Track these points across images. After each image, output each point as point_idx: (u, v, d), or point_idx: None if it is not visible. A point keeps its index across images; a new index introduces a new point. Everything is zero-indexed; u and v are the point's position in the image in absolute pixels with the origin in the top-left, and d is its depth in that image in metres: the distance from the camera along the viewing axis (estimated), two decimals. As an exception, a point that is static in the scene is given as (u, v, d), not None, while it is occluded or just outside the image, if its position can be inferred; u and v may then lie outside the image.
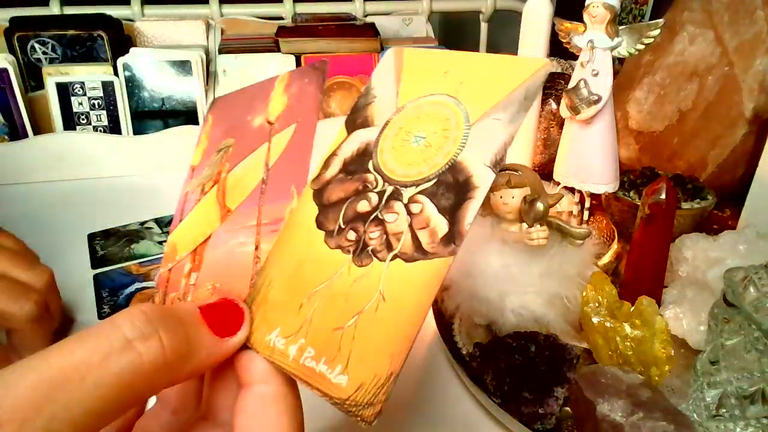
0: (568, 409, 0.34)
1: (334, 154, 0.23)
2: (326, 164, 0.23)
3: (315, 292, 0.21)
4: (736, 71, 0.57)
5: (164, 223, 0.58)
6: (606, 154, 0.46)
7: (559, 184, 0.49)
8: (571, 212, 0.52)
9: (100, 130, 0.71)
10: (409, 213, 0.20)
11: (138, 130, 0.71)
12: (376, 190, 0.21)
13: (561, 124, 0.52)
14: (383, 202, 0.21)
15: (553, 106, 0.64)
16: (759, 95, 0.56)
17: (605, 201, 0.53)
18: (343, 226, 0.21)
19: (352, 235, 0.21)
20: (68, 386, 0.15)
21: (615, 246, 0.51)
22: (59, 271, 0.50)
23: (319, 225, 0.22)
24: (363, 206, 0.21)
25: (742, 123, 0.57)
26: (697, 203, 0.50)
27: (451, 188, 0.20)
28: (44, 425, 0.15)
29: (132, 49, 0.71)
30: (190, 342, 0.18)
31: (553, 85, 0.64)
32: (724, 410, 0.32)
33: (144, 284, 0.48)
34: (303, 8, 0.88)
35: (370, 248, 0.20)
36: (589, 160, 0.46)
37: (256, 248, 0.23)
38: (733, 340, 0.31)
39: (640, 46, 0.43)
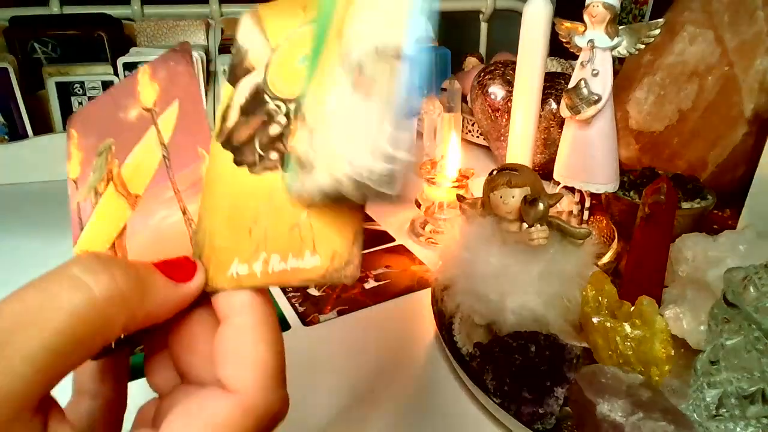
0: (568, 409, 0.34)
1: (228, 107, 0.24)
2: (224, 117, 0.24)
3: (258, 213, 0.22)
4: (736, 71, 0.57)
5: (164, 223, 0.58)
6: (606, 154, 0.46)
7: (559, 184, 0.49)
8: (571, 212, 0.52)
9: (100, 130, 0.71)
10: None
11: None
12: (282, 114, 0.23)
13: (561, 124, 0.52)
14: (291, 118, 0.22)
15: (553, 106, 0.64)
16: (759, 95, 0.56)
17: (605, 201, 0.53)
18: (263, 153, 0.23)
19: (275, 155, 0.22)
20: (23, 328, 0.16)
21: (615, 246, 0.51)
22: (59, 271, 0.50)
23: (239, 163, 0.23)
24: (275, 129, 0.23)
25: (742, 123, 0.57)
26: (697, 203, 0.50)
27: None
28: (1, 366, 0.15)
29: (132, 49, 0.71)
30: (143, 281, 0.18)
31: (553, 85, 0.64)
32: (724, 410, 0.32)
33: (144, 284, 0.48)
34: (303, 8, 0.88)
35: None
36: (589, 160, 0.46)
37: (184, 213, 0.24)
38: (733, 340, 0.31)
39: (640, 46, 0.43)
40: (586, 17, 0.43)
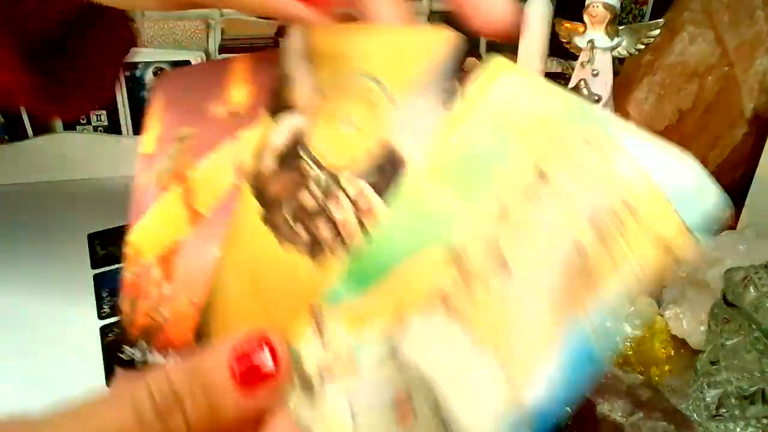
0: (568, 409, 0.34)
1: (265, 146, 0.22)
2: (258, 155, 0.22)
3: (277, 296, 0.20)
4: (736, 71, 0.56)
5: (164, 223, 0.58)
6: (606, 154, 0.46)
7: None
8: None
9: (100, 130, 0.71)
10: (352, 202, 0.19)
11: (138, 130, 0.71)
12: (315, 181, 0.20)
13: (561, 124, 0.52)
14: (325, 192, 0.20)
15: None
16: (759, 95, 0.56)
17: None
18: (292, 224, 0.20)
19: (303, 232, 0.20)
20: None
21: (615, 246, 0.51)
22: (59, 271, 0.50)
23: (267, 223, 0.21)
24: (307, 199, 0.20)
25: (742, 123, 0.57)
26: (697, 203, 0.50)
27: (388, 173, 0.19)
28: None
29: (132, 49, 0.71)
30: (214, 409, 0.17)
31: (553, 85, 0.64)
32: (724, 410, 0.32)
33: (144, 284, 0.48)
34: (303, 8, 0.88)
35: (324, 245, 0.19)
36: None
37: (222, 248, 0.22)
38: (733, 340, 0.31)
39: (640, 46, 0.43)
40: (586, 17, 0.43)
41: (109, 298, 0.46)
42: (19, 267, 0.50)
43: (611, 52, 0.43)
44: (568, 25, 0.45)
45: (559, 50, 0.51)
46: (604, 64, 0.43)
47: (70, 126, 0.69)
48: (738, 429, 0.32)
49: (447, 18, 1.13)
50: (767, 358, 0.30)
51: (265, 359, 0.17)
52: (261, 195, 0.21)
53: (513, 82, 0.17)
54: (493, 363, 0.15)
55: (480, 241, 0.16)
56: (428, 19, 0.91)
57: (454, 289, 0.16)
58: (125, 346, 0.22)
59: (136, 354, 0.22)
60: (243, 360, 0.17)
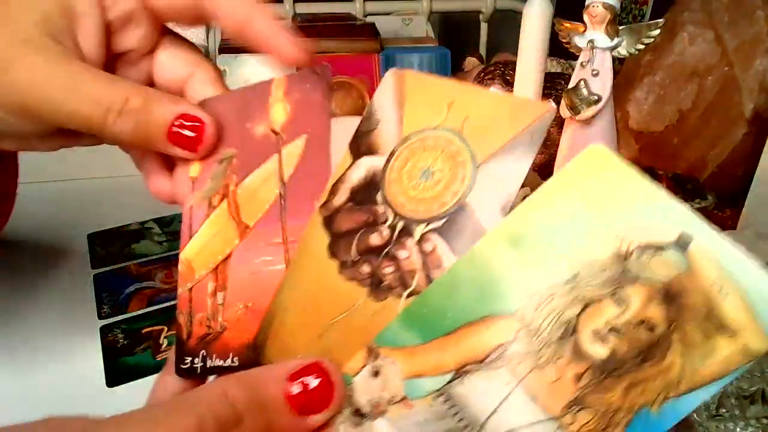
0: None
1: (340, 180, 0.23)
2: (333, 191, 0.23)
3: (334, 323, 0.21)
4: (736, 71, 0.57)
5: (164, 223, 0.58)
6: (606, 154, 0.46)
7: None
8: (571, 212, 0.52)
9: (100, 130, 0.71)
10: (422, 251, 0.21)
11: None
12: (386, 224, 0.22)
13: (561, 124, 0.52)
14: (395, 237, 0.21)
15: (553, 106, 0.64)
16: (759, 95, 0.56)
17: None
18: (356, 259, 0.22)
19: (366, 269, 0.21)
20: None
21: (615, 246, 0.51)
22: (59, 271, 0.50)
23: (333, 255, 0.22)
24: (375, 239, 0.22)
25: (742, 123, 0.57)
26: (697, 203, 0.50)
27: (461, 229, 0.20)
28: None
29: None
30: (270, 429, 0.18)
31: (553, 85, 0.64)
32: (724, 410, 0.32)
33: (144, 284, 0.48)
34: (303, 8, 0.88)
35: (385, 283, 0.21)
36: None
37: (287, 265, 0.23)
38: (733, 340, 0.31)
39: (640, 46, 0.43)
40: (586, 17, 0.43)
41: (108, 298, 0.46)
42: (19, 267, 0.50)
43: (611, 52, 0.43)
44: (568, 25, 0.45)
45: (559, 50, 0.51)
46: (604, 64, 0.43)
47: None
48: (738, 429, 0.32)
49: (447, 18, 1.13)
50: (767, 358, 0.30)
51: (321, 388, 0.19)
52: (330, 226, 0.23)
53: (611, 171, 0.18)
54: (551, 426, 0.16)
55: (552, 315, 0.17)
56: (428, 19, 0.91)
57: (521, 358, 0.17)
58: (187, 357, 0.24)
59: (197, 362, 0.24)
60: (299, 385, 0.19)
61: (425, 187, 0.21)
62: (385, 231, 0.21)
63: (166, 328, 0.43)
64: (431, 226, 0.21)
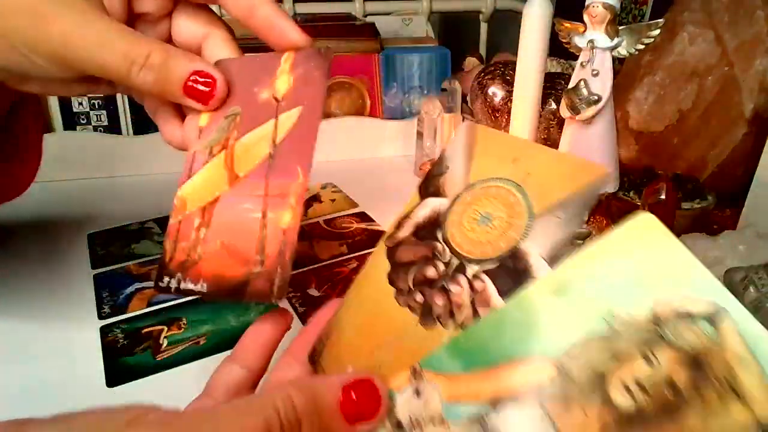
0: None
1: (407, 216, 0.26)
2: (399, 225, 0.26)
3: (385, 342, 0.23)
4: (736, 71, 0.57)
5: (164, 223, 0.58)
6: (606, 155, 0.46)
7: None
8: (571, 212, 0.52)
9: (100, 130, 0.71)
10: (472, 288, 0.22)
11: (138, 130, 0.71)
12: (443, 260, 0.24)
13: (561, 124, 0.52)
14: (449, 272, 0.23)
15: (553, 106, 0.64)
16: (759, 95, 0.56)
17: (605, 201, 0.53)
18: (412, 288, 0.24)
19: (419, 298, 0.24)
20: None
21: (615, 246, 0.51)
22: (59, 271, 0.50)
23: (391, 282, 0.25)
24: (430, 272, 0.24)
25: (742, 123, 0.57)
26: (697, 203, 0.50)
27: (511, 274, 0.22)
28: None
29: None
30: None
31: (553, 85, 0.64)
32: (724, 410, 0.32)
33: (144, 284, 0.48)
34: (303, 8, 0.88)
35: (435, 314, 0.23)
36: (589, 160, 0.46)
37: (263, 216, 0.27)
38: (733, 340, 0.31)
39: (640, 46, 0.43)
40: (586, 17, 0.43)
41: (108, 298, 0.46)
42: (19, 267, 0.50)
43: (611, 52, 0.43)
44: (568, 25, 0.45)
45: (559, 50, 0.51)
46: (604, 64, 0.43)
47: (70, 126, 0.70)
48: (738, 429, 0.32)
49: (447, 18, 1.13)
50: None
51: (370, 400, 0.21)
52: (392, 256, 0.25)
53: (657, 239, 0.19)
54: None
55: (586, 364, 0.18)
56: (428, 19, 0.91)
57: (554, 399, 0.18)
58: (165, 276, 0.28)
59: (172, 283, 0.28)
60: (351, 393, 0.21)
61: (483, 231, 0.23)
62: (441, 266, 0.24)
63: (166, 328, 0.43)
64: (484, 267, 0.23)
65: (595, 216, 0.56)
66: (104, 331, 0.43)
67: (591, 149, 0.46)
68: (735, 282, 0.31)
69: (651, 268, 0.19)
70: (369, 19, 0.87)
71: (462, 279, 0.23)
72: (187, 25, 0.31)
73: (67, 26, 0.26)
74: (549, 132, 0.66)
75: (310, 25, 0.79)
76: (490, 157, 0.25)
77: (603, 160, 0.46)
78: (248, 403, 0.20)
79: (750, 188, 0.52)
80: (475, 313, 0.22)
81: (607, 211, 0.53)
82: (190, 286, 0.27)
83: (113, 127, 0.71)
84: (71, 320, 0.44)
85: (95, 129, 0.70)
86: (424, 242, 0.25)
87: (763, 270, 0.31)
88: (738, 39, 0.56)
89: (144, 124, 0.71)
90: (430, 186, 0.26)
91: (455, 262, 0.23)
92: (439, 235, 0.24)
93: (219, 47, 0.31)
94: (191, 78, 0.28)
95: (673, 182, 0.44)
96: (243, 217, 0.27)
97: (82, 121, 0.70)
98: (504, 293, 0.22)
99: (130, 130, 0.71)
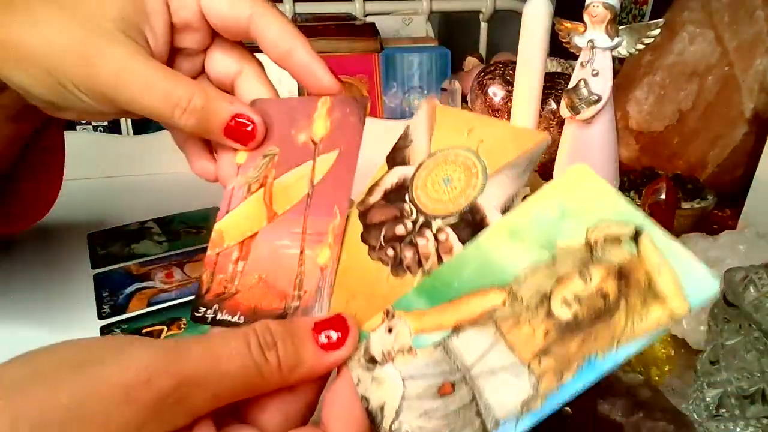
0: (568, 409, 0.34)
1: (376, 184, 0.29)
2: (370, 191, 0.28)
3: (359, 293, 0.26)
4: (736, 71, 0.57)
5: (164, 223, 0.58)
6: (606, 154, 0.46)
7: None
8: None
9: (100, 130, 0.71)
10: (437, 240, 0.26)
11: (138, 130, 0.71)
12: (410, 219, 0.27)
13: (561, 124, 0.52)
14: (416, 228, 0.26)
15: (553, 106, 0.64)
16: (759, 95, 0.56)
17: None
18: (383, 244, 0.27)
19: (390, 252, 0.26)
20: (207, 376, 0.20)
21: (615, 246, 0.51)
22: (59, 271, 0.50)
23: (364, 240, 0.27)
24: (400, 230, 0.27)
25: (742, 123, 0.57)
26: (697, 203, 0.50)
27: (470, 224, 0.25)
28: (178, 399, 0.19)
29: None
30: (298, 355, 0.22)
31: (553, 85, 0.64)
32: (724, 410, 0.32)
33: (144, 284, 0.48)
34: (303, 8, 0.88)
35: (404, 264, 0.26)
36: (589, 160, 0.46)
37: (301, 252, 0.28)
38: (733, 340, 0.31)
39: (640, 46, 0.43)
40: (586, 17, 0.43)
41: (108, 298, 0.46)
42: (19, 267, 0.50)
43: (611, 52, 0.43)
44: (568, 25, 0.45)
45: (559, 50, 0.51)
46: (604, 64, 0.43)
47: (70, 126, 0.69)
48: (738, 429, 0.32)
49: (447, 18, 1.13)
50: (767, 358, 0.30)
51: (339, 329, 0.24)
52: (364, 218, 0.28)
53: (589, 183, 0.22)
54: (525, 375, 0.21)
55: (533, 287, 0.22)
56: (428, 19, 0.91)
57: (505, 319, 0.22)
58: (201, 307, 0.29)
59: (209, 313, 0.28)
60: (322, 324, 0.24)
61: (444, 192, 0.27)
62: (409, 224, 0.27)
63: (166, 328, 0.43)
64: (447, 221, 0.26)
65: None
66: (104, 331, 0.43)
67: (591, 149, 0.46)
68: (735, 282, 0.31)
69: (583, 205, 0.22)
70: (369, 19, 0.87)
71: (428, 232, 0.26)
72: (222, 60, 0.33)
73: (115, 68, 0.27)
74: (549, 132, 0.66)
75: (310, 25, 0.79)
76: (448, 130, 0.28)
77: (603, 160, 0.46)
78: (232, 329, 0.23)
79: (750, 188, 0.52)
80: (440, 260, 0.25)
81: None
82: (227, 317, 0.28)
83: (113, 127, 0.71)
84: (71, 320, 0.44)
85: (95, 129, 0.70)
86: (393, 205, 0.27)
87: (763, 270, 0.31)
88: (738, 39, 0.56)
89: (144, 124, 0.71)
90: (396, 157, 0.29)
91: (421, 219, 0.26)
92: (407, 198, 0.27)
93: (252, 82, 0.33)
94: (232, 121, 0.29)
95: (673, 182, 0.44)
96: (281, 252, 0.28)
97: (82, 121, 0.70)
98: (464, 241, 0.25)
99: (130, 130, 0.71)
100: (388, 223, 0.27)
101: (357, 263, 0.27)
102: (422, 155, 0.28)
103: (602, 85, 0.43)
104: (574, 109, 0.44)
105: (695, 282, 0.19)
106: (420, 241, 0.26)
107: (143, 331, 0.42)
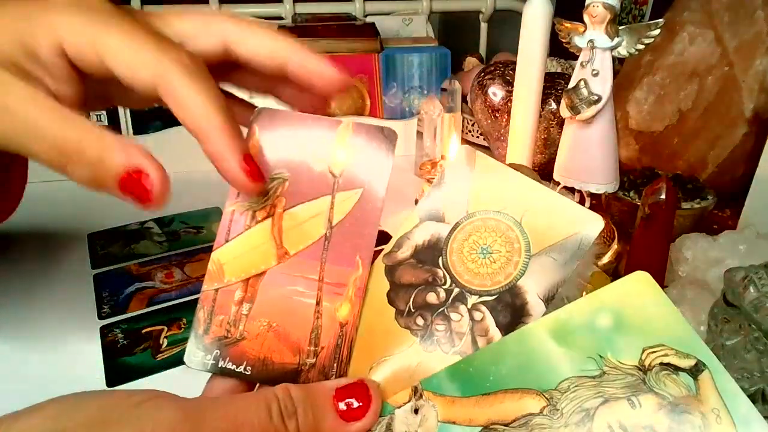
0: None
1: (406, 236, 0.26)
2: (398, 244, 0.26)
3: (384, 360, 0.24)
4: (736, 71, 0.57)
5: (164, 223, 0.58)
6: (606, 155, 0.46)
7: (559, 184, 0.49)
8: (571, 212, 0.52)
9: (100, 130, 0.71)
10: (472, 318, 0.24)
11: (138, 130, 0.71)
12: (444, 287, 0.25)
13: (561, 124, 0.52)
14: (450, 300, 0.24)
15: (553, 106, 0.64)
16: (759, 95, 0.56)
17: (605, 201, 0.53)
18: (413, 310, 0.25)
19: (420, 321, 0.24)
20: None
21: (615, 246, 0.51)
22: (59, 271, 0.50)
23: (390, 301, 0.25)
24: (431, 298, 0.25)
25: (742, 123, 0.57)
26: (697, 203, 0.50)
27: (509, 308, 0.24)
28: None
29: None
30: (318, 425, 0.22)
31: (553, 85, 0.64)
32: (724, 410, 0.32)
33: (144, 284, 0.48)
34: (303, 8, 0.88)
35: (435, 338, 0.24)
36: (589, 160, 0.46)
37: (318, 303, 0.25)
38: (733, 340, 0.31)
39: (640, 46, 0.43)
40: (586, 17, 0.43)
41: (108, 298, 0.46)
42: (19, 267, 0.50)
43: (611, 52, 0.43)
44: (568, 25, 0.45)
45: (559, 50, 0.51)
46: (604, 64, 0.43)
47: (70, 126, 0.69)
48: (738, 429, 0.32)
49: (447, 18, 1.13)
50: (767, 358, 0.30)
51: (360, 398, 0.23)
52: (391, 275, 0.26)
53: (650, 295, 0.21)
54: None
55: (575, 401, 0.20)
56: (428, 19, 0.91)
57: (542, 429, 0.20)
58: (199, 352, 0.25)
59: (208, 359, 0.25)
60: (344, 391, 0.23)
61: (482, 264, 0.25)
62: (442, 293, 0.25)
63: (166, 328, 0.43)
64: (483, 298, 0.24)
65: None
66: (104, 331, 0.43)
67: (591, 149, 0.46)
68: (735, 282, 0.31)
69: (642, 321, 0.21)
70: (369, 19, 0.87)
71: (462, 308, 0.24)
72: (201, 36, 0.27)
73: (2, 115, 0.23)
74: (549, 132, 0.66)
75: (310, 25, 0.79)
76: (489, 189, 0.25)
77: (603, 160, 0.46)
78: (253, 393, 0.22)
79: (750, 188, 0.52)
80: (473, 341, 0.23)
81: (606, 211, 0.53)
82: (231, 366, 0.25)
83: (113, 127, 0.71)
84: (71, 320, 0.44)
85: (95, 129, 0.70)
86: (424, 266, 0.25)
87: (763, 270, 0.31)
88: (738, 39, 0.56)
89: (144, 124, 0.72)
90: (429, 208, 0.26)
91: (455, 290, 0.24)
92: (440, 262, 0.25)
93: (251, 41, 0.27)
94: (124, 175, 0.24)
95: (673, 182, 0.44)
96: (294, 300, 0.25)
97: (82, 121, 0.70)
98: (501, 325, 0.23)
99: (130, 130, 0.71)
100: (418, 287, 0.25)
101: (382, 326, 0.25)
102: (459, 214, 0.25)
103: (602, 85, 0.43)
104: (574, 109, 0.44)
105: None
106: (454, 316, 0.24)
107: (143, 331, 0.42)
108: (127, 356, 0.40)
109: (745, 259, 0.41)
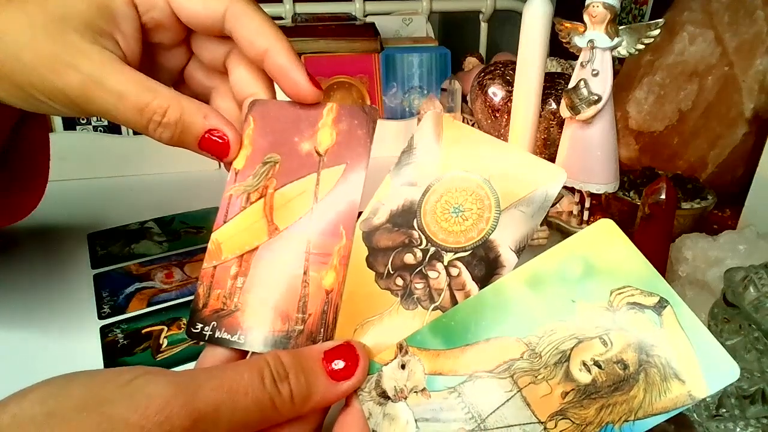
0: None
1: (380, 202, 0.27)
2: (373, 211, 0.27)
3: (368, 321, 0.25)
4: (736, 71, 0.57)
5: (164, 223, 0.58)
6: (606, 154, 0.46)
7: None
8: (571, 212, 0.52)
9: (100, 130, 0.71)
10: (449, 274, 0.25)
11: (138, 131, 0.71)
12: (420, 247, 0.26)
13: (561, 124, 0.52)
14: (426, 259, 0.26)
15: (553, 106, 0.64)
16: (759, 95, 0.56)
17: (605, 201, 0.53)
18: (391, 272, 0.26)
19: (399, 282, 0.26)
20: (222, 411, 0.20)
21: (615, 246, 0.51)
22: (59, 271, 0.50)
23: (369, 265, 0.26)
24: (409, 259, 0.26)
25: (742, 123, 0.57)
26: (697, 203, 0.50)
27: (483, 261, 0.25)
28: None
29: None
30: (309, 386, 0.23)
31: (553, 85, 0.64)
32: (724, 410, 0.32)
33: (144, 284, 0.48)
34: (303, 8, 0.88)
35: (415, 296, 0.25)
36: (589, 160, 0.46)
37: (305, 273, 0.27)
38: (733, 340, 0.31)
39: (640, 46, 0.43)
40: (586, 17, 0.43)
41: (108, 298, 0.46)
42: (19, 267, 0.50)
43: (611, 52, 0.43)
44: (568, 25, 0.45)
45: (559, 50, 0.51)
46: (604, 64, 0.43)
47: (70, 126, 0.70)
48: (738, 429, 0.32)
49: (447, 18, 1.13)
50: (767, 358, 0.30)
51: (348, 359, 0.24)
52: (369, 240, 0.27)
53: (615, 242, 0.22)
54: (538, 428, 0.21)
55: (552, 344, 0.22)
56: (428, 19, 0.91)
57: (523, 373, 0.22)
58: (198, 323, 0.27)
59: (206, 330, 0.27)
60: (333, 353, 0.24)
61: (455, 222, 0.26)
62: (419, 253, 0.26)
63: (166, 328, 0.43)
64: (458, 255, 0.25)
65: (595, 215, 0.56)
66: (104, 331, 0.43)
67: (591, 149, 0.46)
68: (735, 282, 0.31)
69: (608, 265, 0.22)
70: (369, 19, 0.87)
71: (439, 265, 0.25)
72: (208, 47, 0.32)
73: (86, 80, 0.26)
74: (549, 132, 0.66)
75: (310, 25, 0.79)
76: (457, 149, 0.27)
77: (603, 160, 0.46)
78: (244, 361, 0.23)
79: (750, 188, 0.52)
80: (452, 296, 0.25)
81: (606, 211, 0.53)
82: (226, 336, 0.27)
83: (113, 127, 0.71)
84: (71, 320, 0.44)
85: (95, 129, 0.70)
86: (400, 229, 0.26)
87: (763, 270, 0.31)
88: (738, 39, 0.56)
89: (144, 124, 0.71)
90: (401, 174, 0.27)
91: (431, 249, 0.26)
92: (415, 224, 0.26)
93: (244, 75, 0.31)
94: (206, 134, 0.28)
95: (673, 182, 0.44)
96: (283, 271, 0.27)
97: (82, 121, 0.70)
98: (477, 278, 0.25)
99: (130, 131, 0.71)
100: (396, 250, 0.26)
101: (363, 289, 0.26)
102: (430, 177, 0.27)
103: (602, 85, 0.43)
104: (574, 109, 0.44)
105: (716, 367, 0.19)
106: (431, 274, 0.25)
107: (143, 331, 0.42)
108: (127, 356, 0.40)
109: (745, 259, 0.41)
